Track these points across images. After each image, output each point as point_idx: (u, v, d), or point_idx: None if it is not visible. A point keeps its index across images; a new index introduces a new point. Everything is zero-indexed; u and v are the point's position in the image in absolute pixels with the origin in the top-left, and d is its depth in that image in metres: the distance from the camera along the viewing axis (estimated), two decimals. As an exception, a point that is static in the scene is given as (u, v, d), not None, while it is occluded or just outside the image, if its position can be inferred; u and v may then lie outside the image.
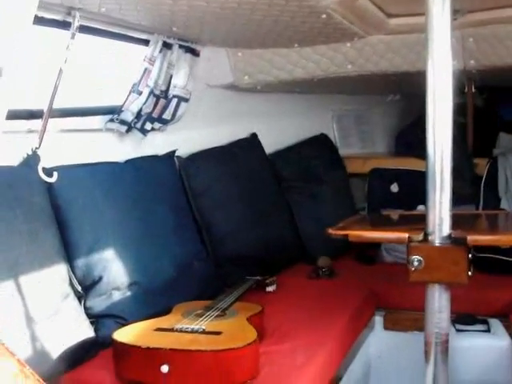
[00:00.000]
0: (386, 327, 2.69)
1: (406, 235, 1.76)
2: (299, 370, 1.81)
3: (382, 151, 4.24)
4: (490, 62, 2.59)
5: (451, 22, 1.75)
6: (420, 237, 1.76)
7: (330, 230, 1.87)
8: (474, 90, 3.26)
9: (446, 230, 1.75)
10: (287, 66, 2.75)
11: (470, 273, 1.73)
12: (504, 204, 3.23)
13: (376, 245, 3.27)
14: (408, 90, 4.01)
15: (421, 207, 3.38)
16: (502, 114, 3.48)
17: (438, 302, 1.82)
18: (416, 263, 1.75)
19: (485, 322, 2.45)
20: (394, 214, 2.84)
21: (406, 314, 2.66)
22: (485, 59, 2.59)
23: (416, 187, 3.53)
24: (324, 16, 2.16)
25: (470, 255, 1.72)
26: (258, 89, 2.94)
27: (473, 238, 1.68)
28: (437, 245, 1.75)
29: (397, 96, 4.22)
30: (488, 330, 2.41)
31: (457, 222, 1.76)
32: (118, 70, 2.61)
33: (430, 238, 1.76)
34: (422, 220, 2.12)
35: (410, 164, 3.65)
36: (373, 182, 3.69)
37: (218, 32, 2.36)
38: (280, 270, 2.89)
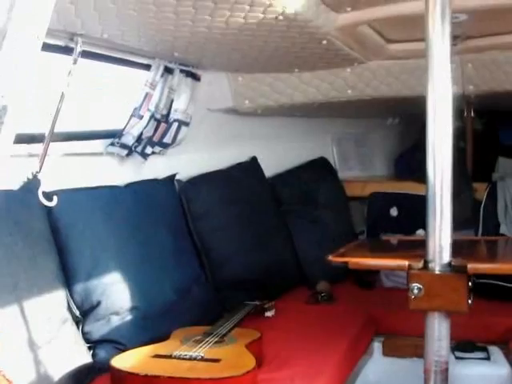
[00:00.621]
0: (385, 353, 2.67)
1: (406, 263, 1.76)
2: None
3: (381, 174, 4.24)
4: (489, 88, 2.61)
5: (451, 48, 1.78)
6: (420, 264, 1.76)
7: (330, 257, 1.87)
8: (473, 114, 3.27)
9: (447, 257, 1.75)
10: (287, 90, 2.76)
11: (470, 301, 1.73)
12: (503, 229, 3.22)
13: (375, 269, 3.26)
14: (407, 114, 4.03)
15: (420, 231, 3.38)
16: (502, 138, 3.49)
17: (438, 330, 1.81)
18: (416, 291, 1.75)
19: (484, 350, 2.44)
20: (394, 239, 2.85)
21: (406, 340, 2.65)
22: (483, 84, 2.61)
23: (415, 211, 3.52)
24: (325, 42, 2.17)
25: (470, 283, 1.72)
26: (258, 113, 2.95)
27: (473, 267, 1.68)
28: (437, 273, 1.75)
29: (396, 119, 4.25)
30: (488, 358, 2.39)
31: (456, 248, 1.76)
32: (120, 94, 2.62)
33: (430, 265, 1.76)
34: (421, 245, 2.13)
35: (409, 188, 3.65)
36: (372, 206, 3.68)
37: (219, 57, 2.38)
38: (279, 294, 2.87)
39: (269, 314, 2.61)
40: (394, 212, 3.57)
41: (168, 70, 2.41)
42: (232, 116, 3.00)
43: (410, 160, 3.96)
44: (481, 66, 2.57)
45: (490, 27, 2.34)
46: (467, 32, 2.34)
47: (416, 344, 2.61)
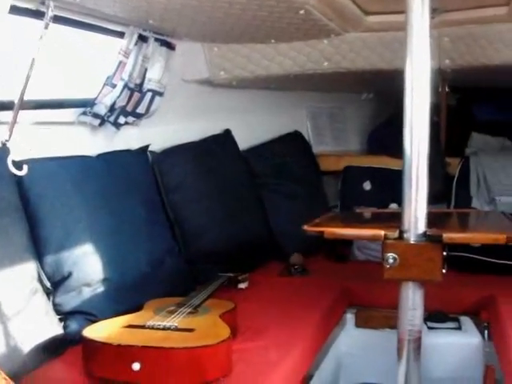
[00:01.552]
0: (358, 325, 2.68)
1: (382, 232, 1.76)
2: (272, 367, 1.79)
3: (355, 149, 4.24)
4: (465, 62, 2.61)
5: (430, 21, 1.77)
6: (395, 234, 1.77)
7: (306, 227, 1.87)
8: (447, 89, 3.28)
9: (422, 227, 1.76)
10: (263, 61, 2.73)
11: (444, 270, 1.74)
12: (475, 203, 3.26)
13: (348, 243, 3.28)
14: (382, 89, 4.03)
15: (393, 205, 3.41)
16: (475, 113, 3.51)
17: (412, 299, 1.83)
18: (391, 260, 1.76)
19: (456, 320, 2.47)
20: (367, 212, 2.86)
21: (378, 312, 2.67)
22: (460, 59, 2.61)
23: (389, 185, 3.56)
24: (302, 12, 2.15)
25: (444, 253, 1.74)
26: (233, 84, 2.92)
27: (448, 236, 1.70)
28: (412, 242, 1.76)
29: (370, 94, 4.24)
30: (459, 328, 2.43)
31: (430, 220, 1.77)
32: (93, 63, 2.56)
33: (405, 235, 1.77)
34: (394, 218, 2.14)
35: (382, 162, 3.67)
36: (346, 180, 3.69)
37: (195, 26, 2.33)
38: (252, 267, 2.87)
39: (242, 285, 2.62)
40: (367, 186, 3.58)
41: (142, 39, 2.35)
42: (207, 87, 2.95)
43: (384, 135, 3.97)
44: (457, 40, 2.57)
45: (467, 1, 2.33)
46: (445, 5, 2.33)
47: (388, 315, 2.64)
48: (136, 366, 1.57)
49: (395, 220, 1.86)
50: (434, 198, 1.81)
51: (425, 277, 1.77)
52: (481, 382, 2.32)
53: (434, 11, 2.21)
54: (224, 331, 1.75)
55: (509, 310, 2.27)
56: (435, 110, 3.43)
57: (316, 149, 3.82)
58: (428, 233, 1.75)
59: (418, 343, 1.85)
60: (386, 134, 3.91)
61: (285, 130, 3.62)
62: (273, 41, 2.62)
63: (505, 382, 1.97)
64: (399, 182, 3.28)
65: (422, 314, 1.85)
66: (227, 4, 1.97)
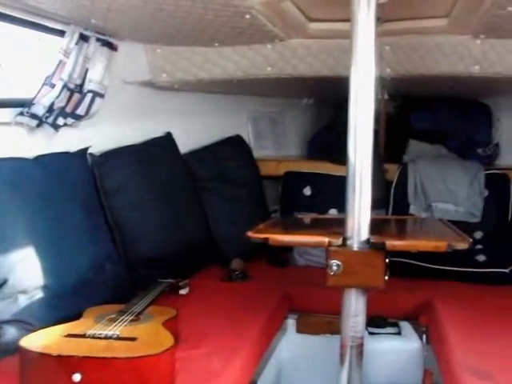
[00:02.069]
0: (299, 330, 2.70)
1: (326, 239, 1.77)
2: (216, 375, 1.77)
3: (295, 154, 4.27)
4: (405, 71, 2.66)
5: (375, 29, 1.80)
6: (339, 241, 1.78)
7: (250, 234, 1.85)
8: (387, 97, 3.34)
9: (365, 235, 1.78)
10: (206, 65, 2.71)
11: (386, 277, 1.77)
12: (413, 209, 3.33)
13: (288, 248, 3.29)
14: (322, 95, 4.07)
15: (332, 211, 3.45)
16: (413, 122, 3.59)
17: (355, 306, 1.85)
18: (335, 267, 1.77)
19: (395, 325, 2.51)
20: (307, 218, 2.87)
21: (319, 317, 2.69)
22: (400, 68, 2.66)
23: (329, 191, 3.62)
24: (248, 16, 2.14)
25: (387, 260, 1.76)
26: (175, 87, 2.88)
27: (391, 244, 1.72)
28: (355, 249, 1.77)
29: (311, 100, 4.28)
30: (399, 333, 2.47)
31: (371, 226, 1.79)
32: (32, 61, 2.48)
33: (348, 242, 1.79)
34: (335, 224, 2.16)
35: (323, 168, 3.70)
36: (286, 185, 3.70)
37: (138, 27, 2.29)
38: (193, 272, 2.84)
39: (183, 291, 2.58)
40: (307, 191, 3.61)
41: (83, 38, 2.29)
42: (148, 89, 2.91)
43: (324, 141, 4.01)
44: (398, 50, 2.62)
45: (409, 11, 2.38)
46: (386, 15, 2.37)
47: (329, 321, 2.67)
48: (77, 378, 1.52)
49: (336, 226, 1.89)
50: (372, 204, 1.83)
51: (368, 284, 1.79)
52: (419, 388, 2.38)
53: (377, 20, 2.26)
54: (167, 340, 1.71)
55: (446, 313, 2.33)
56: (374, 117, 3.48)
57: (256, 153, 3.81)
58: (371, 240, 1.77)
59: (360, 349, 1.87)
60: (326, 139, 3.96)
61: (226, 133, 3.60)
62: (216, 44, 2.60)
63: (444, 382, 2.01)
64: (339, 187, 3.31)
65: (364, 321, 1.87)
66: (172, 6, 1.94)
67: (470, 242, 1.73)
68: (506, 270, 2.81)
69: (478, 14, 2.19)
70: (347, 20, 2.52)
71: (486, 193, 3.34)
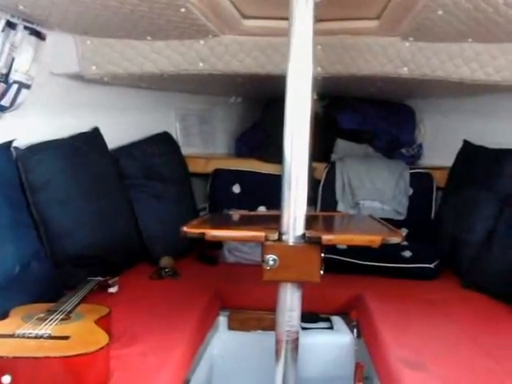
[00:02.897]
0: (231, 327, 2.69)
1: (263, 234, 1.77)
2: (152, 374, 1.74)
3: (222, 152, 4.26)
4: (336, 71, 2.70)
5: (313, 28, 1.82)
6: (276, 236, 1.78)
7: (185, 229, 1.82)
8: (316, 97, 3.37)
9: (300, 229, 1.79)
10: (138, 58, 2.65)
11: (321, 271, 1.79)
12: (340, 207, 3.40)
13: (218, 245, 3.28)
14: (250, 93, 4.08)
15: (261, 208, 3.47)
16: (340, 122, 3.66)
17: (290, 300, 1.85)
18: (271, 262, 1.76)
19: (327, 320, 2.55)
20: (236, 214, 2.87)
21: (250, 314, 2.69)
22: (331, 67, 2.70)
23: (257, 188, 3.64)
24: (183, 10, 2.11)
25: (322, 254, 1.78)
26: (104, 81, 2.81)
27: (327, 238, 1.74)
28: (292, 244, 1.78)
29: (239, 98, 4.28)
30: (331, 327, 2.51)
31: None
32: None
33: (284, 237, 1.79)
34: (265, 220, 2.17)
35: (251, 166, 3.73)
36: (215, 183, 3.70)
37: (69, 16, 2.21)
38: (121, 270, 2.78)
39: (112, 290, 2.52)
40: (236, 189, 3.61)
41: (10, 25, 2.18)
42: (77, 82, 2.82)
43: (251, 139, 4.03)
44: (329, 49, 2.65)
45: (341, 12, 2.41)
46: (319, 15, 2.39)
47: (260, 317, 2.68)
48: (6, 380, 1.45)
49: (268, 222, 1.90)
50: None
51: (304, 278, 1.80)
52: (352, 379, 2.41)
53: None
54: (102, 338, 1.66)
55: (376, 307, 2.38)
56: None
57: (184, 150, 3.77)
58: (307, 235, 1.78)
59: (295, 344, 1.88)
60: (255, 137, 3.98)
61: (154, 130, 3.54)
62: (149, 38, 2.56)
63: (378, 376, 2.05)
64: (268, 185, 3.34)
65: (299, 315, 1.88)
66: (107, -4, 1.89)
67: (403, 237, 1.77)
68: (431, 266, 2.91)
69: (408, 17, 2.25)
70: (281, 18, 2.57)
71: (411, 191, 3.46)
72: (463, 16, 2.07)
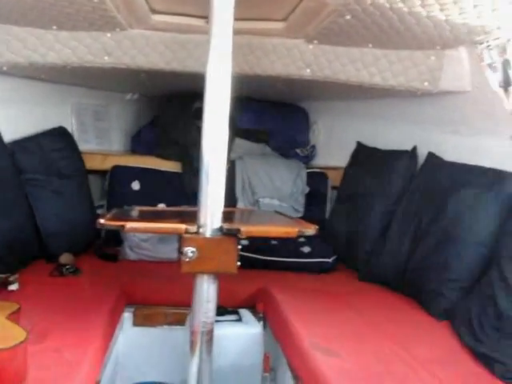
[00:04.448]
0: (136, 323, 2.66)
1: (184, 226, 1.78)
2: (67, 371, 1.70)
3: (118, 149, 4.19)
4: (241, 70, 2.75)
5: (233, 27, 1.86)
6: (195, 228, 1.80)
7: (103, 221, 1.80)
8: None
9: (218, 222, 1.83)
10: (41, 48, 2.55)
11: (238, 263, 1.83)
12: (240, 204, 3.46)
13: (118, 242, 3.23)
14: (148, 90, 4.05)
15: (161, 205, 3.45)
16: (238, 121, 3.71)
17: (207, 292, 1.88)
18: (190, 254, 1.78)
19: (236, 313, 2.59)
20: (135, 210, 2.85)
21: (156, 310, 2.68)
22: (236, 67, 2.67)
23: (157, 186, 3.62)
24: (96, 0, 2.08)
25: (239, 246, 1.83)
26: (3, 70, 2.68)
27: (247, 230, 1.79)
28: (210, 236, 1.81)
29: (135, 95, 4.23)
30: (240, 320, 2.55)
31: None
32: None
33: (201, 230, 1.82)
34: (174, 215, 2.18)
35: (150, 163, 3.70)
36: (114, 180, 3.63)
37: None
38: (19, 267, 2.68)
39: (13, 287, 2.43)
40: (135, 186, 3.58)
41: None
42: (-28, 71, 2.68)
43: (148, 136, 4.00)
44: (236, 49, 2.68)
45: (248, 12, 2.47)
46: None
47: (165, 312, 2.68)
48: None
49: (178, 217, 1.97)
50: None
51: (222, 269, 1.84)
52: (261, 369, 2.47)
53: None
54: (18, 333, 1.60)
55: (282, 300, 2.47)
56: (201, 115, 3.55)
57: (81, 146, 3.67)
58: (225, 227, 1.82)
59: (210, 335, 1.91)
60: (151, 135, 3.96)
61: (50, 124, 3.40)
62: (54, 27, 2.48)
63: (290, 364, 2.12)
64: (167, 182, 3.34)
65: (215, 307, 1.91)
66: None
67: (317, 229, 1.86)
68: (329, 260, 3.05)
69: (315, 21, 2.34)
70: (189, 15, 2.59)
71: (307, 189, 3.58)
72: (369, 22, 2.19)
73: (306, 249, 3.10)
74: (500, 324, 1.97)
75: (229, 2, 1.82)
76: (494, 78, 2.28)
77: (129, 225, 1.77)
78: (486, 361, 1.91)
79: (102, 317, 2.22)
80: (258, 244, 2.97)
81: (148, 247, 3.13)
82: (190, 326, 1.92)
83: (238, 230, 1.78)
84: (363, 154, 3.40)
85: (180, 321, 2.61)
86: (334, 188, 3.66)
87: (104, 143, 4.12)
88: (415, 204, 2.77)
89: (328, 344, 1.97)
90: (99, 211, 3.57)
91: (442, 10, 1.95)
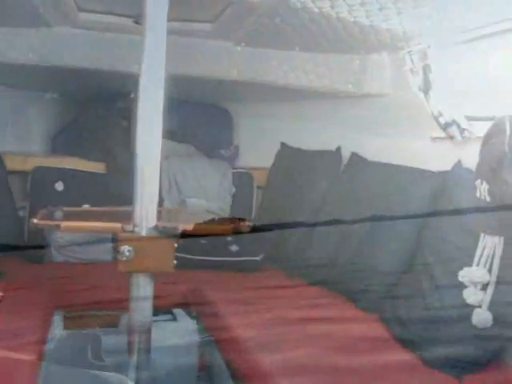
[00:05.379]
0: (66, 327, 2.61)
1: (120, 225, 1.78)
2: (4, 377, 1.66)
3: (38, 150, 4.06)
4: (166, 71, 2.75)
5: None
6: (131, 227, 1.80)
7: (36, 220, 1.77)
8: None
9: (153, 221, 1.83)
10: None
11: (175, 261, 1.85)
12: (167, 204, 3.45)
13: (44, 244, 3.15)
14: (69, 90, 3.96)
15: (86, 206, 3.40)
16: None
17: (144, 290, 1.88)
18: (127, 253, 1.78)
19: (170, 313, 2.59)
20: (59, 210, 2.80)
21: (87, 312, 2.63)
22: (170, 68, 2.75)
23: (81, 186, 3.56)
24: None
25: (175, 245, 1.84)
26: None
27: (186, 227, 1.80)
28: (146, 235, 1.82)
29: (55, 94, 4.12)
30: (174, 319, 2.55)
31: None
32: None
33: (137, 229, 1.82)
34: (104, 215, 2.17)
35: (73, 163, 3.62)
36: (36, 181, 3.53)
37: None
38: None
39: None
40: (59, 187, 3.49)
41: None
42: None
43: (69, 136, 3.93)
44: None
45: (176, 13, 2.47)
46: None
47: (97, 315, 2.64)
48: None
49: (108, 217, 1.92)
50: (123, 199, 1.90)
51: (158, 268, 1.85)
52: (197, 367, 2.48)
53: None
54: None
55: (216, 298, 2.50)
56: (126, 114, 3.51)
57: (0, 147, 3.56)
58: (162, 225, 1.83)
59: (148, 334, 1.91)
60: (72, 135, 3.88)
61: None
62: (-23, 22, 2.41)
63: (228, 362, 2.15)
64: (91, 183, 3.30)
65: (151, 306, 1.91)
66: None
67: (251, 226, 1.90)
68: (257, 258, 3.10)
69: (244, 23, 2.39)
70: (116, 14, 2.57)
71: (234, 190, 3.62)
72: (298, 25, 2.26)
73: (234, 248, 3.13)
74: (426, 313, 2.06)
75: (163, 3, 1.82)
76: (415, 82, 2.40)
77: (64, 224, 1.75)
78: (415, 349, 2.00)
79: (34, 321, 2.16)
80: (188, 243, 2.97)
81: (75, 249, 3.07)
82: (128, 326, 1.91)
83: (176, 228, 1.79)
84: (287, 155, 3.48)
85: (111, 323, 2.59)
86: (259, 188, 3.71)
87: (23, 144, 3.99)
88: (339, 203, 2.86)
89: (268, 340, 2.01)
90: (21, 213, 3.47)
91: (367, 16, 2.03)
